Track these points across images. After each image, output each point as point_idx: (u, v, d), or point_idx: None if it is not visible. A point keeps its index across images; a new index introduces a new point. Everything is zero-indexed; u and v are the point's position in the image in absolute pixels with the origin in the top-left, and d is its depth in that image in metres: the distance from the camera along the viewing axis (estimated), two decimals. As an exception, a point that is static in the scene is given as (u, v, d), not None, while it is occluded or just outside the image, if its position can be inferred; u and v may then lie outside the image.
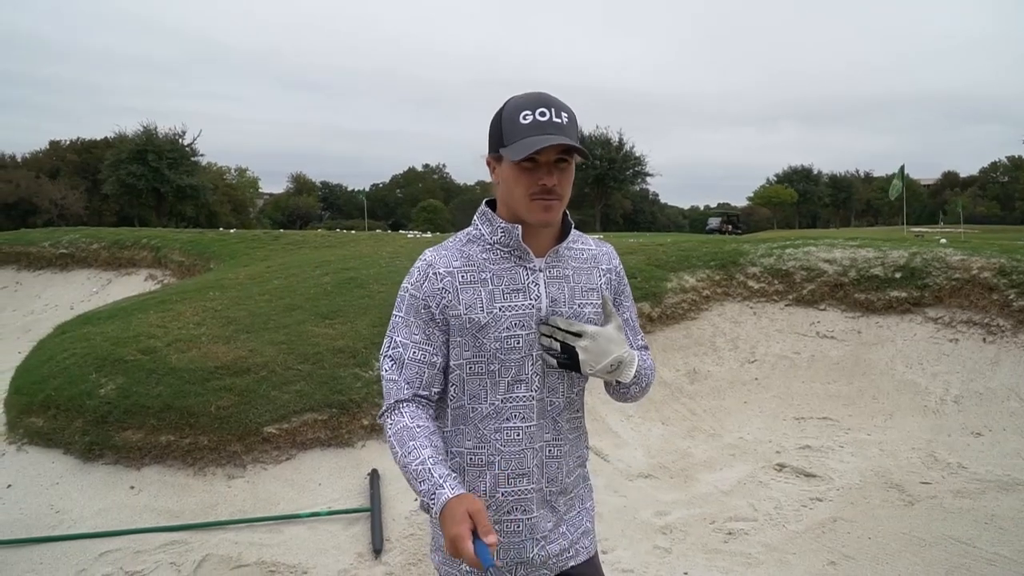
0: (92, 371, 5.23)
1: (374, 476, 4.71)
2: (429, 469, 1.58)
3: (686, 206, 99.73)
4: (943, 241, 8.56)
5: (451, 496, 1.51)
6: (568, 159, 1.67)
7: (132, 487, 4.56)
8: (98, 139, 51.28)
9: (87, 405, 4.89)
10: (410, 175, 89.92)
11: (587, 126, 56.13)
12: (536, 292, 1.73)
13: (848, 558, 3.89)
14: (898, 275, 7.14)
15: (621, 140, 56.91)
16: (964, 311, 6.67)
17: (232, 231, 15.79)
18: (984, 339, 6.36)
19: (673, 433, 5.85)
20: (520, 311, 1.71)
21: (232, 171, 64.35)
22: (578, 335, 1.71)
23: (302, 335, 5.92)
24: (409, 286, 1.75)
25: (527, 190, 1.66)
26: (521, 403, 1.74)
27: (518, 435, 1.74)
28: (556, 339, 1.71)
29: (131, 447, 4.71)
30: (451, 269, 1.72)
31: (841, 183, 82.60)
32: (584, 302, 1.80)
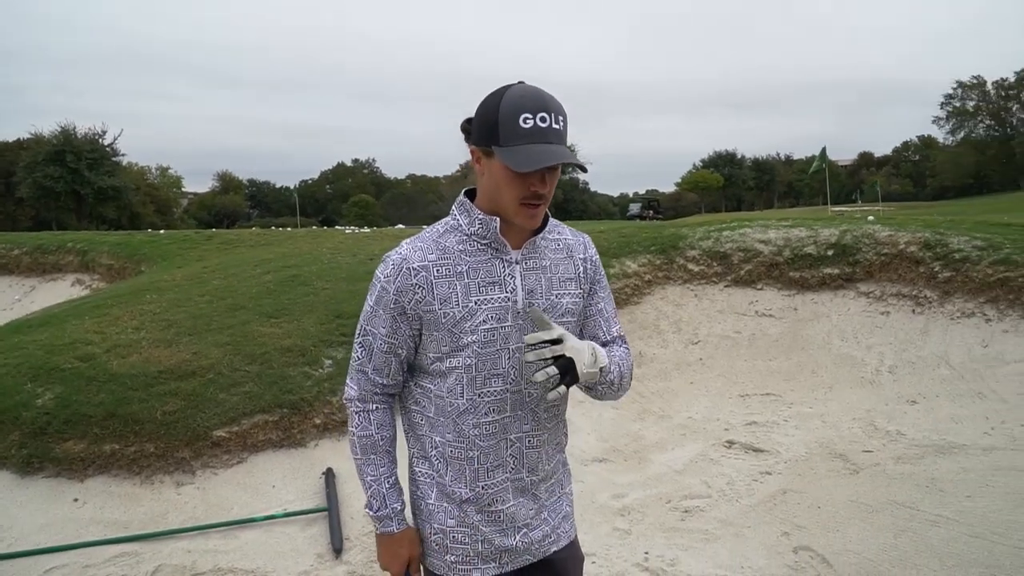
0: (27, 381, 5.02)
1: (329, 475, 4.65)
2: (384, 495, 1.80)
3: (615, 194, 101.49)
4: (871, 218, 8.89)
5: (397, 531, 1.81)
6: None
7: (76, 499, 4.40)
8: (11, 141, 49.03)
9: (23, 417, 4.69)
10: (339, 170, 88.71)
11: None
12: (512, 285, 1.72)
13: (800, 527, 4.02)
14: (830, 252, 7.40)
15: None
16: (894, 284, 6.95)
17: (162, 232, 15.28)
18: (913, 310, 6.64)
19: (624, 416, 5.93)
20: (495, 304, 1.71)
21: (153, 171, 62.41)
22: (559, 340, 1.64)
23: (247, 335, 5.79)
24: (382, 277, 1.73)
25: (518, 195, 1.65)
26: (496, 396, 1.74)
27: (494, 428, 1.75)
28: (545, 359, 1.63)
29: (73, 458, 4.53)
30: (426, 263, 1.70)
31: (764, 166, 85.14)
32: (561, 292, 1.80)
